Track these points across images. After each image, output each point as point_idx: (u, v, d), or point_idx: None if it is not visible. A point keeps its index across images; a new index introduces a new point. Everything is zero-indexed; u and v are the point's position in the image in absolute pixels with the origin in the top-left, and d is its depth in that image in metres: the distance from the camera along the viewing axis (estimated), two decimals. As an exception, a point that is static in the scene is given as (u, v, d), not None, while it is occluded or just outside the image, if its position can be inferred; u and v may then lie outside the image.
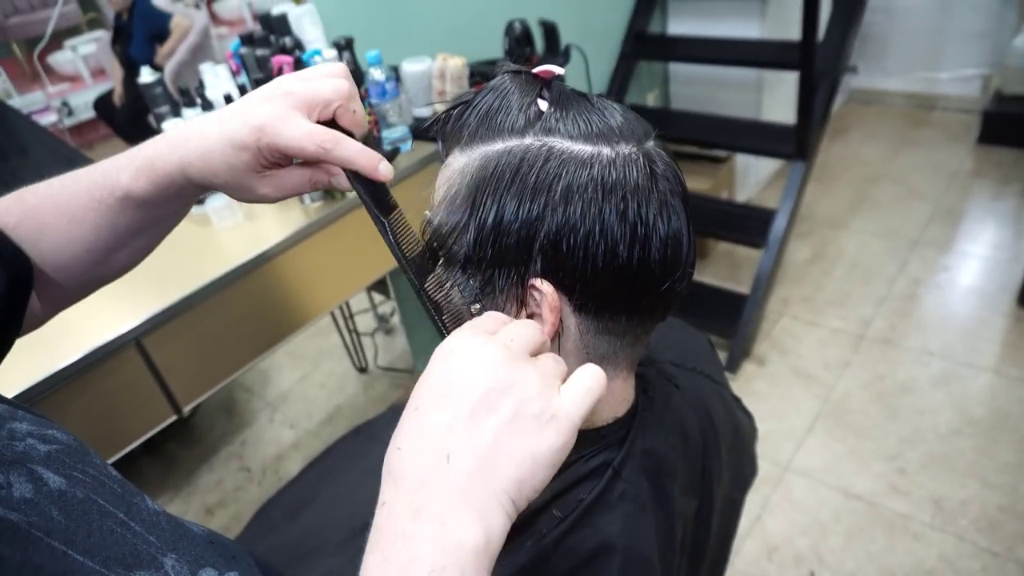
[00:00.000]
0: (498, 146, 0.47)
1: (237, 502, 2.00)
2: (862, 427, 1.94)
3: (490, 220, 0.46)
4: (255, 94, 0.49)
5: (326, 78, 0.49)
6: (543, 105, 0.48)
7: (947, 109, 3.52)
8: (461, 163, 0.48)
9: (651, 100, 2.96)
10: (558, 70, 0.49)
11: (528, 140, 0.46)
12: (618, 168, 0.45)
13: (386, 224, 0.48)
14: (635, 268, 0.46)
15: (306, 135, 0.46)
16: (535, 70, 0.49)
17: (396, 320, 2.49)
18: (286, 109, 0.47)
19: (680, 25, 2.82)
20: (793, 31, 2.09)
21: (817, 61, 2.10)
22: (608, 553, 0.50)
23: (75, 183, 0.53)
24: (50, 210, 0.53)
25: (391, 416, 1.14)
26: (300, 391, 2.40)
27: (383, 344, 2.47)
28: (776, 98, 2.85)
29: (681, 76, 2.99)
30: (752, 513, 1.76)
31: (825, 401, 2.04)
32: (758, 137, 2.45)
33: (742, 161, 2.89)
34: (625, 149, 0.46)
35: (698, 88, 2.95)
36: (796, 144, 2.26)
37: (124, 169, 0.51)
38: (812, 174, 2.83)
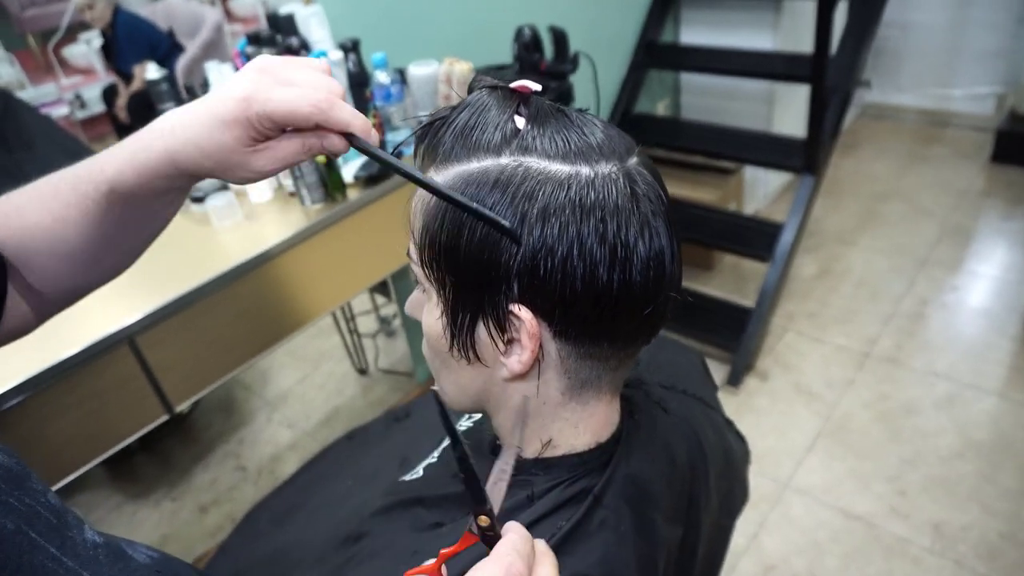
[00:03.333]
0: (473, 165, 0.45)
1: (231, 501, 1.99)
2: (863, 447, 1.92)
3: (464, 244, 0.45)
4: (236, 74, 0.48)
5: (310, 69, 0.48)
6: (520, 122, 0.46)
7: (960, 127, 3.49)
8: (436, 182, 0.47)
9: (661, 109, 2.94)
10: (535, 86, 0.48)
11: (504, 160, 0.45)
12: (597, 188, 0.44)
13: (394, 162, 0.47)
14: (616, 291, 0.44)
15: (298, 96, 0.45)
16: (512, 85, 0.48)
17: (397, 323, 2.48)
18: (271, 81, 0.46)
19: (692, 35, 2.81)
20: (806, 44, 2.07)
21: (829, 75, 2.08)
22: (586, 583, 0.48)
23: (60, 180, 0.52)
24: (35, 209, 0.52)
25: (384, 422, 1.13)
26: (299, 391, 2.39)
27: (384, 347, 2.46)
28: (788, 111, 2.83)
29: (692, 86, 2.97)
30: (749, 531, 1.74)
31: (827, 419, 2.01)
32: (767, 150, 2.43)
33: (751, 173, 2.87)
34: (605, 168, 0.45)
35: (709, 99, 2.93)
36: (805, 158, 2.24)
37: (109, 163, 0.50)
38: (822, 189, 2.81)
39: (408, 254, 0.51)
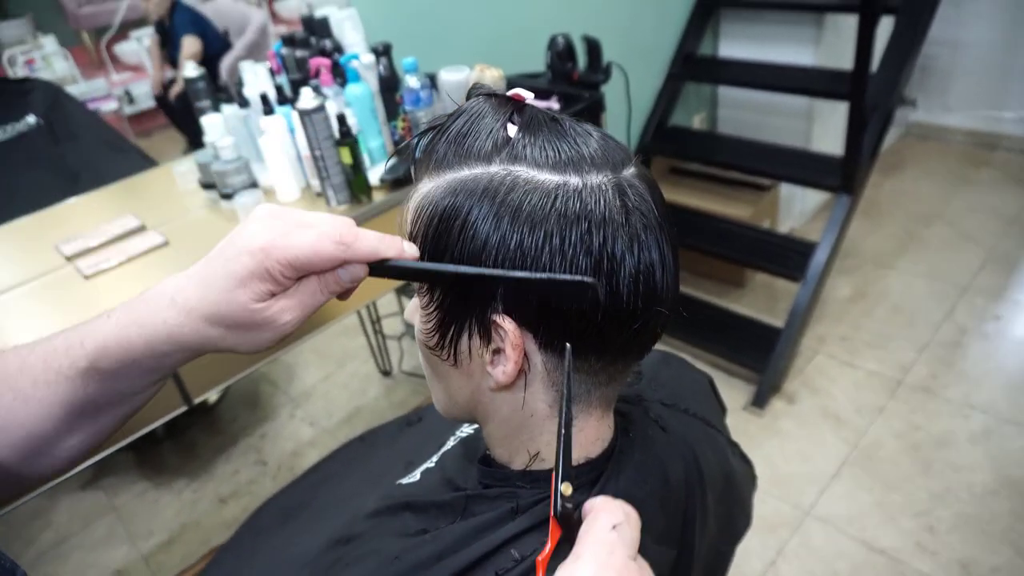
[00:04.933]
0: (464, 173, 0.45)
1: (250, 495, 2.02)
2: (892, 478, 1.85)
3: (449, 252, 0.44)
4: (239, 229, 0.44)
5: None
6: (512, 130, 0.46)
7: (1010, 150, 3.37)
8: (428, 189, 0.47)
9: (697, 122, 2.91)
10: (528, 94, 0.47)
11: (493, 168, 0.44)
12: (584, 199, 0.43)
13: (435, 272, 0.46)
14: (602, 305, 0.43)
15: (320, 235, 0.42)
16: (508, 93, 0.47)
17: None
18: (285, 226, 0.43)
19: (732, 48, 2.77)
20: (848, 60, 2.03)
21: (869, 93, 2.03)
22: (565, 602, 0.47)
23: (30, 352, 0.47)
24: None
25: (396, 425, 1.13)
26: (323, 390, 2.41)
27: (409, 349, 2.47)
28: (827, 128, 2.77)
29: (730, 100, 2.93)
30: (767, 556, 1.70)
31: (854, 447, 1.95)
32: (804, 167, 2.38)
33: (787, 191, 2.81)
34: (595, 179, 0.44)
35: (747, 113, 2.89)
36: (842, 177, 2.18)
37: (91, 335, 0.45)
38: (861, 209, 2.75)
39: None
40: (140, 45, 1.88)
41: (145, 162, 1.85)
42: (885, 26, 2.22)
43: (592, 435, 0.52)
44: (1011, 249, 2.69)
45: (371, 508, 0.68)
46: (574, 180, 0.43)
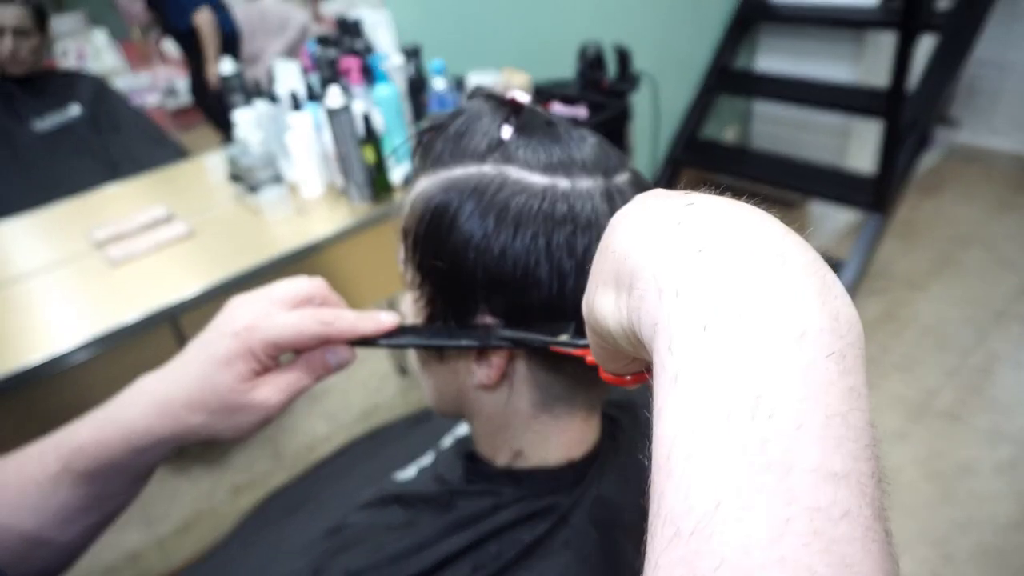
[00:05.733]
0: (458, 171, 0.46)
1: (264, 486, 2.05)
2: (911, 505, 1.80)
3: (438, 251, 0.45)
4: (218, 316, 0.45)
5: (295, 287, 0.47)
6: (507, 132, 0.46)
7: (1056, 176, 3.27)
8: (424, 186, 0.47)
9: (729, 135, 2.88)
10: (524, 97, 0.48)
11: (486, 167, 0.45)
12: (572, 201, 0.43)
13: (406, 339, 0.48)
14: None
15: (301, 318, 0.43)
16: (506, 96, 0.48)
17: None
18: (268, 306, 0.44)
19: (769, 62, 2.75)
20: (888, 78, 1.99)
21: (906, 112, 2.00)
22: (539, 602, 0.47)
23: (32, 448, 0.46)
24: None
25: (406, 423, 1.14)
26: (342, 386, 2.44)
27: (427, 350, 2.49)
28: (864, 146, 2.73)
29: (765, 115, 2.90)
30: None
31: (874, 471, 1.91)
32: (836, 184, 2.35)
33: (819, 209, 2.77)
34: (585, 183, 0.44)
35: (781, 128, 2.86)
36: (874, 195, 2.14)
37: (76, 434, 0.44)
38: (896, 231, 2.69)
39: (397, 255, 0.52)
40: (187, 41, 1.93)
41: (181, 154, 1.90)
42: (928, 45, 2.18)
43: (576, 437, 0.52)
44: (1051, 277, 2.61)
45: (364, 500, 0.68)
46: (563, 183, 0.44)
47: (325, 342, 0.45)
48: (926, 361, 2.27)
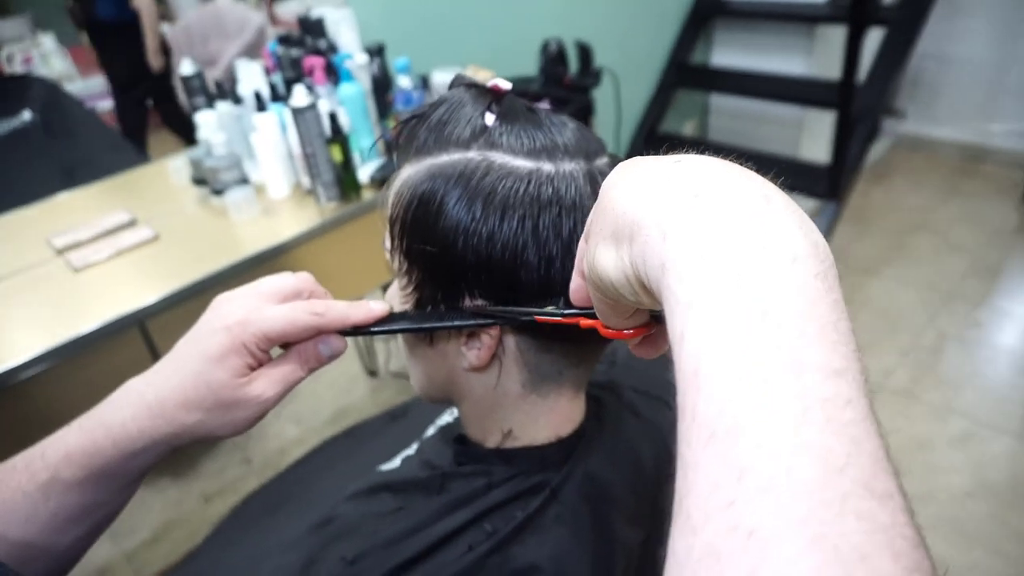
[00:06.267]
0: (443, 158, 0.47)
1: (235, 492, 2.02)
2: (872, 480, 1.87)
3: (427, 234, 0.46)
4: (207, 314, 0.46)
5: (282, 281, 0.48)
6: (490, 119, 0.48)
7: (997, 163, 3.42)
8: (408, 174, 0.48)
9: (688, 129, 2.94)
10: (506, 85, 0.49)
11: (471, 153, 0.46)
12: (556, 184, 0.45)
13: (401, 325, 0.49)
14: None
15: (292, 310, 0.44)
16: (488, 84, 0.49)
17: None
18: (257, 301, 0.45)
19: (724, 57, 2.81)
20: (839, 71, 2.06)
21: (856, 102, 2.07)
22: (534, 575, 0.49)
23: (20, 458, 0.45)
24: None
25: (382, 420, 1.14)
26: (309, 389, 2.42)
27: (395, 350, 2.48)
28: (817, 137, 2.81)
29: (722, 108, 2.97)
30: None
31: (837, 450, 1.98)
32: (791, 175, 2.40)
33: (776, 198, 2.85)
34: (567, 166, 0.46)
35: (738, 122, 2.93)
36: (829, 184, 2.22)
37: (51, 448, 0.44)
38: (849, 218, 2.78)
39: (383, 244, 0.53)
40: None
41: (140, 159, 1.86)
42: (876, 38, 2.26)
43: (564, 415, 0.54)
44: (995, 258, 2.72)
45: (351, 492, 0.69)
46: (547, 167, 0.45)
47: (317, 333, 0.46)
48: (881, 342, 2.35)
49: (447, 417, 0.76)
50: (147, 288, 1.22)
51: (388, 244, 0.51)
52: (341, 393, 2.37)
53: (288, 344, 0.47)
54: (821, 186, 2.26)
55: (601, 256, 0.30)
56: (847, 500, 0.19)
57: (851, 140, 2.16)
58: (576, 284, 0.38)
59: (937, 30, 3.14)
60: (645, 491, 0.59)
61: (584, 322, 0.39)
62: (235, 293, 0.47)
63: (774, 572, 0.18)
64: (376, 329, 0.48)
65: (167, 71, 1.85)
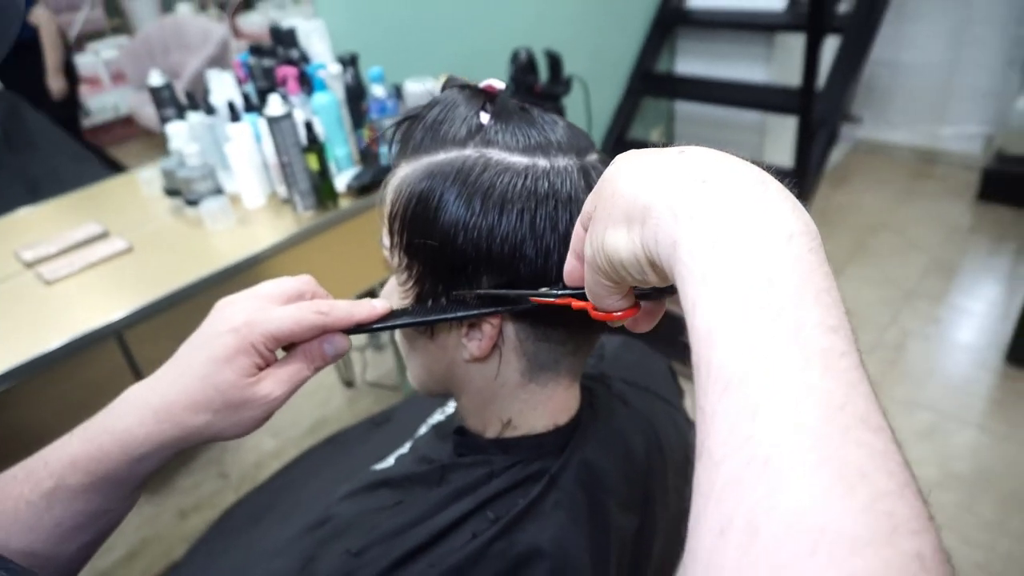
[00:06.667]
0: (440, 156, 0.48)
1: (212, 507, 1.99)
2: (843, 473, 1.92)
3: (426, 230, 0.47)
4: (211, 317, 0.46)
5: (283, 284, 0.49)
6: (485, 118, 0.49)
7: (949, 164, 3.55)
8: (405, 172, 0.50)
9: (655, 136, 3.00)
10: (500, 85, 0.51)
11: (468, 151, 0.48)
12: (552, 179, 0.46)
13: (407, 320, 0.50)
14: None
15: (299, 309, 0.45)
16: (480, 84, 0.51)
17: (385, 336, 2.49)
18: (261, 302, 0.46)
19: (688, 65, 2.88)
20: (797, 77, 2.13)
21: (817, 108, 2.14)
22: (537, 559, 0.50)
23: (20, 467, 0.45)
24: None
25: (365, 426, 1.14)
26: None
27: (371, 360, 2.47)
28: (779, 142, 2.89)
29: (686, 115, 3.04)
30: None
31: (808, 445, 2.02)
32: (757, 179, 2.48)
33: (742, 202, 2.92)
34: (561, 161, 0.47)
35: (702, 128, 3.00)
36: (792, 188, 2.28)
37: (53, 456, 0.44)
38: (812, 220, 2.85)
39: (381, 241, 0.54)
40: (97, 58, 1.86)
41: (106, 171, 1.83)
42: (832, 45, 2.34)
43: (561, 403, 0.55)
44: (952, 256, 2.83)
45: (345, 492, 0.70)
46: (542, 162, 0.47)
47: (323, 331, 0.47)
48: (847, 340, 2.42)
49: (439, 416, 0.77)
50: (124, 299, 1.21)
51: (387, 241, 0.52)
52: (318, 404, 2.35)
53: (291, 346, 0.48)
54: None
55: (611, 238, 0.32)
56: (848, 431, 0.22)
57: (813, 145, 2.22)
58: (570, 265, 0.40)
59: (888, 37, 3.26)
60: (637, 478, 0.61)
61: (576, 303, 0.41)
62: (237, 297, 0.48)
63: (789, 490, 0.21)
64: (379, 325, 0.49)
65: (71, 97, 1.78)
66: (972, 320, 2.48)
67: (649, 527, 0.63)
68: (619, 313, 0.38)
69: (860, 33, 2.32)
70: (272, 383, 0.45)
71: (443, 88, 0.53)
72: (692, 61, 2.86)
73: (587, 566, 0.52)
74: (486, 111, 0.50)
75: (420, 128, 0.50)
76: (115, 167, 1.84)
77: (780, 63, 2.73)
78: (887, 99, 3.65)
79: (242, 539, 0.99)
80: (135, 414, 0.43)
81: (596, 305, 0.38)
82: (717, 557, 0.22)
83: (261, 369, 0.45)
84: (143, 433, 0.43)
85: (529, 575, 0.50)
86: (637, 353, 0.77)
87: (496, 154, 0.47)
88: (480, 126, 0.49)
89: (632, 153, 0.34)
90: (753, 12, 2.60)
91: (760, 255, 0.26)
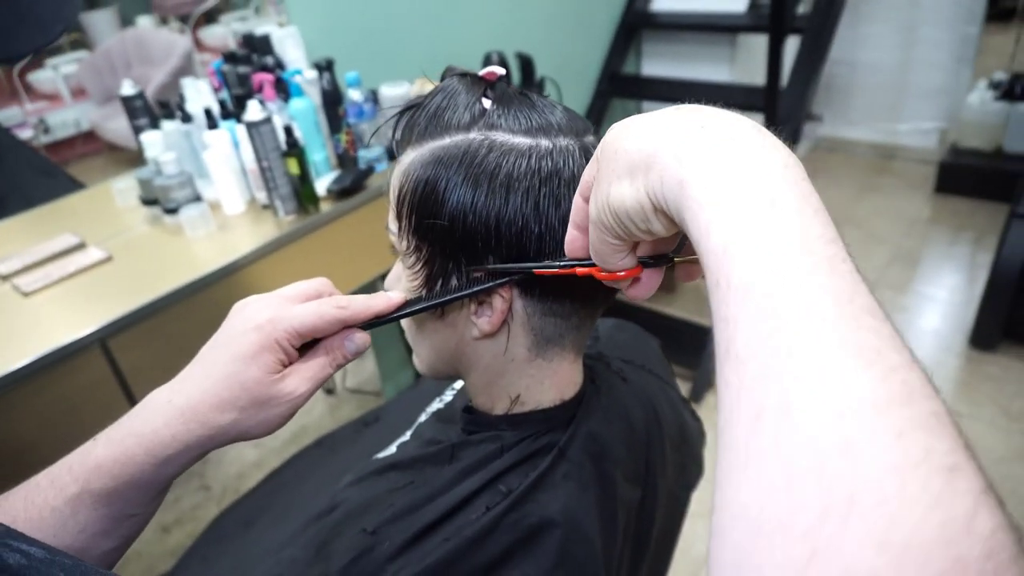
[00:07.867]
0: (445, 141, 0.50)
1: (195, 521, 1.97)
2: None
3: (435, 211, 0.49)
4: (231, 317, 0.47)
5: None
6: (487, 103, 0.51)
7: (907, 159, 3.67)
8: (411, 158, 0.52)
9: (624, 138, 3.05)
10: (500, 71, 0.53)
11: (472, 135, 0.50)
12: (554, 158, 0.49)
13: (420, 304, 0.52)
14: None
15: (319, 304, 0.47)
16: (480, 72, 0.53)
17: (366, 343, 2.49)
18: (281, 300, 0.48)
19: (654, 67, 2.93)
20: (760, 77, 2.19)
21: (780, 106, 2.20)
22: (549, 529, 0.52)
23: (47, 473, 0.45)
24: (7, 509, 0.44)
25: (353, 427, 1.15)
26: (265, 411, 2.37)
27: (352, 367, 2.47)
28: (744, 141, 2.96)
29: (654, 116, 3.09)
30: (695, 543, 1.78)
31: (785, 433, 2.07)
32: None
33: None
34: (563, 142, 0.50)
35: (670, 129, 3.05)
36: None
37: (78, 462, 0.44)
38: (777, 215, 2.93)
39: (387, 227, 0.56)
40: (56, 73, 1.84)
41: (75, 185, 1.81)
42: (793, 45, 2.41)
43: (567, 377, 0.57)
44: (914, 247, 2.93)
45: (350, 479, 0.70)
46: (545, 143, 0.49)
47: (344, 325, 0.49)
48: (818, 330, 2.48)
49: (437, 404, 0.78)
50: (106, 308, 1.20)
51: (394, 227, 0.54)
52: (300, 413, 2.31)
53: (310, 347, 0.49)
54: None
55: (616, 191, 0.35)
56: (859, 318, 0.25)
57: (778, 141, 2.29)
58: (571, 236, 0.43)
59: (846, 38, 3.36)
60: (638, 450, 0.63)
61: (580, 270, 0.43)
62: (256, 297, 0.49)
63: (814, 370, 0.24)
64: (396, 315, 0.51)
65: None
66: (936, 307, 2.57)
67: (651, 498, 0.65)
68: (623, 273, 0.40)
69: (819, 33, 2.39)
70: (297, 380, 0.46)
71: (443, 77, 0.55)
72: (658, 63, 2.92)
73: (596, 534, 0.54)
74: (487, 97, 0.52)
75: (423, 116, 0.52)
76: (75, 184, 1.81)
77: (743, 63, 2.80)
78: (846, 98, 3.77)
79: (236, 544, 0.99)
80: (161, 416, 0.44)
81: (602, 266, 0.41)
82: (755, 440, 0.24)
83: (285, 366, 0.46)
84: (169, 434, 0.43)
85: (542, 544, 0.52)
86: (630, 333, 0.80)
87: (500, 136, 0.49)
88: (483, 111, 0.51)
89: (628, 119, 0.37)
90: (716, 14, 2.66)
91: (762, 181, 0.29)
